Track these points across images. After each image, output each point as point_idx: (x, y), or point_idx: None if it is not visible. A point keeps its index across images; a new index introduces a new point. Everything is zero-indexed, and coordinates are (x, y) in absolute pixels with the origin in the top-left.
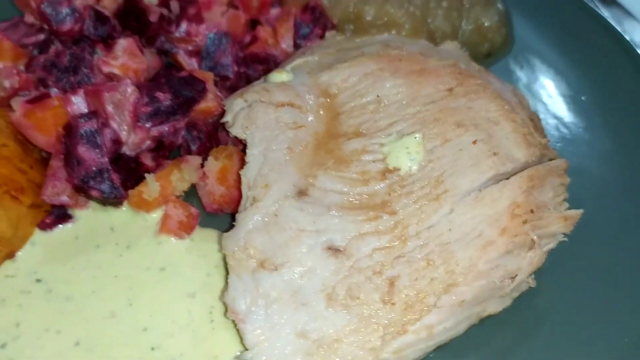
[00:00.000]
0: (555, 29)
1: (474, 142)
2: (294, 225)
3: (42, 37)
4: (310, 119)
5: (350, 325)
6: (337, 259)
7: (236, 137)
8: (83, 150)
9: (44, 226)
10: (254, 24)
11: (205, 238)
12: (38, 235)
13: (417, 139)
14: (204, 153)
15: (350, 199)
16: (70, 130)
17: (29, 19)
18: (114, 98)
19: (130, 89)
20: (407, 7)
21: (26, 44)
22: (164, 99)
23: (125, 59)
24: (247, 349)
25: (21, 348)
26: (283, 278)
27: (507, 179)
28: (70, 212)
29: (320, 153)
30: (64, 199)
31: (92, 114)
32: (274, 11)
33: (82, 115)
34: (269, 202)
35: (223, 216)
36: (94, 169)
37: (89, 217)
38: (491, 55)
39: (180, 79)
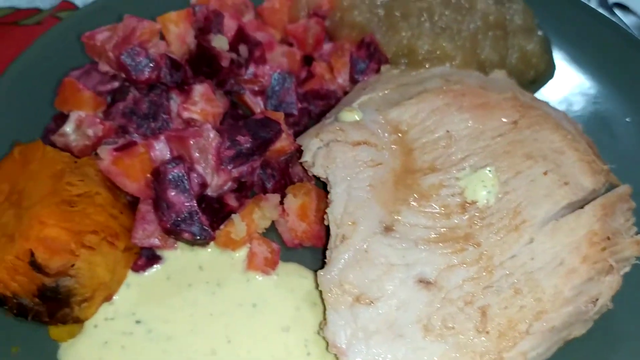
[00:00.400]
0: (594, 51)
1: (545, 173)
2: (385, 260)
3: (117, 84)
4: (386, 156)
5: (449, 354)
6: (429, 291)
7: (307, 173)
8: (172, 195)
9: (137, 268)
10: (307, 60)
11: (289, 272)
12: (132, 277)
13: (491, 172)
14: (278, 190)
15: (435, 233)
16: (158, 176)
17: (104, 67)
18: (199, 143)
19: (212, 134)
20: (457, 39)
21: (102, 92)
22: (245, 141)
23: (203, 104)
24: None
25: None
26: (379, 311)
27: (582, 207)
28: (159, 253)
29: (400, 189)
30: (154, 241)
31: (179, 159)
32: (326, 47)
33: (169, 161)
34: (358, 239)
35: (301, 250)
36: (184, 212)
37: (178, 257)
38: (536, 81)
39: (257, 121)
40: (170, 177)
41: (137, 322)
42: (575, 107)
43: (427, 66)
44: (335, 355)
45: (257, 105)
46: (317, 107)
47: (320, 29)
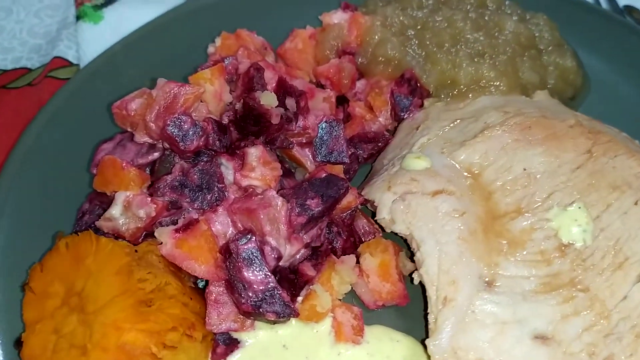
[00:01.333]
0: (625, 60)
1: (636, 203)
2: (495, 319)
3: (157, 154)
4: (468, 203)
5: None
6: (549, 347)
7: (372, 225)
8: (249, 274)
9: (218, 357)
10: (338, 101)
11: (378, 337)
12: None
13: (581, 209)
14: (348, 249)
15: (540, 282)
16: (230, 255)
17: (141, 138)
18: (269, 214)
19: (280, 202)
20: (499, 65)
21: (141, 165)
22: (315, 205)
23: (261, 168)
24: None
25: None
26: None
27: None
28: (235, 336)
29: (491, 237)
30: (231, 325)
31: (248, 233)
32: (359, 85)
33: (239, 237)
34: (462, 300)
35: (381, 310)
36: (263, 291)
37: (258, 338)
38: (575, 98)
39: (322, 180)
40: (244, 254)
41: None
42: (615, 118)
43: (470, 95)
44: None
45: (307, 158)
46: (366, 151)
47: (354, 67)
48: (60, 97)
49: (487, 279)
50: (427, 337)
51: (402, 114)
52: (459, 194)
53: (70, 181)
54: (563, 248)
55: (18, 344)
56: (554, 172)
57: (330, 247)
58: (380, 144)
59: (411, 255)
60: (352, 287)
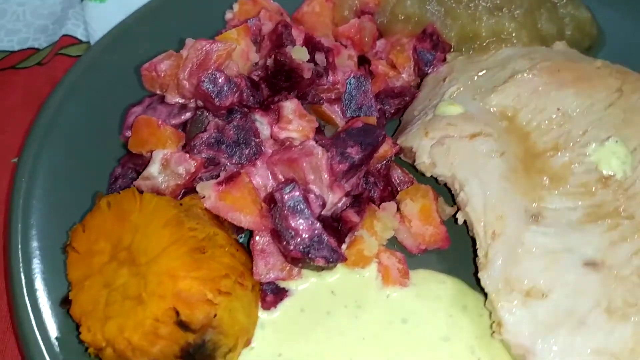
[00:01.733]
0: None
1: None
2: (545, 250)
3: (188, 115)
4: (506, 144)
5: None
6: (600, 273)
7: (407, 175)
8: (295, 221)
9: (268, 306)
10: (359, 61)
11: (425, 280)
12: (263, 316)
13: (618, 142)
14: (386, 198)
15: (584, 212)
16: (275, 204)
17: (172, 98)
18: (312, 163)
19: (320, 151)
20: (518, 18)
21: (173, 126)
22: (356, 152)
23: (298, 121)
24: None
25: None
26: (555, 303)
27: None
28: (283, 285)
29: (532, 174)
30: (278, 273)
31: (293, 182)
32: (379, 44)
33: (283, 186)
34: (511, 233)
35: (423, 255)
36: (310, 237)
37: (305, 286)
38: (591, 48)
39: (359, 130)
40: (290, 203)
41: None
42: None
43: (492, 48)
44: (510, 355)
45: (337, 114)
46: (392, 106)
47: (374, 26)
48: (83, 65)
49: (533, 213)
50: (476, 272)
51: (426, 69)
52: (496, 136)
53: (99, 148)
54: (604, 180)
55: (65, 302)
56: (588, 110)
57: (368, 197)
58: (407, 98)
59: (453, 200)
60: (394, 234)
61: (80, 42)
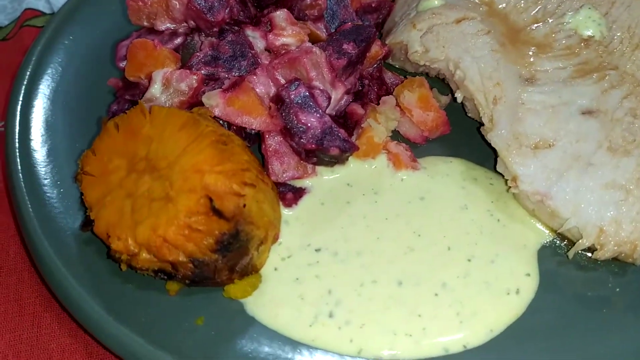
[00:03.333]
0: None
1: None
2: (544, 105)
3: (180, 40)
4: (490, 24)
5: None
6: (597, 118)
7: (398, 77)
8: (305, 116)
9: (289, 203)
10: None
11: (431, 162)
12: (286, 214)
13: (591, 8)
14: (384, 96)
15: (573, 69)
16: (283, 102)
17: (162, 25)
18: (313, 60)
19: (318, 50)
20: None
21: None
22: (352, 49)
23: (291, 27)
24: (559, 224)
25: (349, 308)
26: (562, 150)
27: None
28: (299, 185)
29: (519, 46)
30: (294, 172)
31: (297, 80)
32: None
33: (289, 85)
34: (511, 95)
35: (427, 145)
36: (322, 129)
37: (321, 182)
38: None
39: (350, 29)
40: (297, 99)
41: (317, 250)
42: None
43: None
44: (525, 210)
45: (321, 31)
46: (372, 20)
47: None
48: (65, 10)
49: (527, 77)
50: (481, 155)
51: None
52: (480, 18)
53: (91, 91)
54: (585, 41)
55: (86, 224)
56: None
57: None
58: (384, 12)
59: (445, 91)
60: (396, 130)
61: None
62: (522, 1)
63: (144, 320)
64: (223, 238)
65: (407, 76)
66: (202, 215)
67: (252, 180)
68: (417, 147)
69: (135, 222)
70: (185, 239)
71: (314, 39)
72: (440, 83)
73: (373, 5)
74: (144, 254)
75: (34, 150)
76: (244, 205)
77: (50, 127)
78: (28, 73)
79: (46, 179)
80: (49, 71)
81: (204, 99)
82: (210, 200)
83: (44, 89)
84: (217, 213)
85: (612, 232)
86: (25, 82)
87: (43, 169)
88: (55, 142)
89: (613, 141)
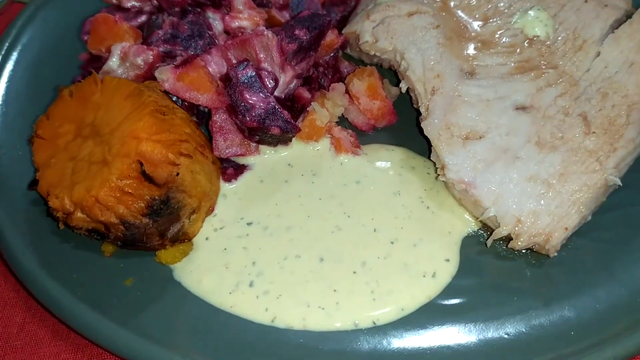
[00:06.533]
0: None
1: (586, 1)
2: (479, 99)
3: (144, 18)
4: (440, 19)
5: (568, 160)
6: (529, 114)
7: (354, 66)
8: (250, 95)
9: (229, 178)
10: None
11: (373, 149)
12: (225, 188)
13: (540, 10)
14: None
15: (514, 66)
16: (230, 81)
17: (128, 3)
18: (263, 42)
19: (270, 34)
20: None
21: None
22: (303, 34)
23: (248, 11)
24: (481, 212)
25: (269, 279)
26: (492, 142)
27: (629, 18)
28: (243, 162)
29: (465, 41)
30: (237, 149)
31: (246, 61)
32: None
33: (238, 64)
34: (449, 87)
35: (374, 133)
36: (265, 109)
37: (264, 161)
38: None
39: (306, 16)
40: (244, 79)
41: (249, 223)
42: None
43: None
44: (455, 199)
45: (285, 18)
46: (339, 13)
47: None
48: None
49: (467, 71)
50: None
51: None
52: (432, 13)
53: (59, 61)
54: (529, 41)
55: (32, 184)
56: None
57: (319, 83)
58: (351, 5)
59: (396, 83)
60: (345, 116)
61: None
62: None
63: (75, 277)
64: (153, 203)
65: (364, 66)
66: (133, 179)
67: (188, 151)
68: (364, 135)
69: (73, 183)
70: (117, 200)
71: (275, 25)
72: (393, 75)
73: None
74: (78, 213)
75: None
76: (177, 174)
77: (15, 95)
78: (6, 45)
79: (5, 141)
80: (24, 44)
81: (156, 73)
82: (141, 164)
83: (18, 60)
84: (148, 178)
85: (529, 223)
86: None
87: (3, 133)
88: (19, 109)
89: (542, 137)
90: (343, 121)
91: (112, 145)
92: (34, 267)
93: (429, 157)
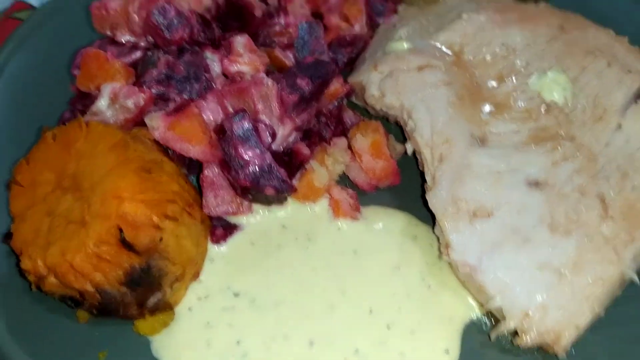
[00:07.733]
0: None
1: (608, 64)
2: (489, 170)
3: (139, 54)
4: (452, 74)
5: (582, 247)
6: (542, 191)
7: (360, 117)
8: (245, 150)
9: (217, 239)
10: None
11: (375, 214)
12: (213, 250)
13: (559, 72)
14: (335, 137)
15: (528, 134)
16: (224, 133)
17: (122, 37)
18: (261, 92)
19: (270, 82)
20: None
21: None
22: (305, 84)
23: (248, 55)
24: (486, 300)
25: None
26: (500, 221)
27: None
28: (234, 221)
29: (478, 102)
30: (228, 208)
31: (242, 111)
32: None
33: (233, 115)
34: (457, 156)
35: (376, 193)
36: (260, 166)
37: (256, 221)
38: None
39: (309, 64)
40: (239, 132)
41: (236, 294)
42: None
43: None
44: (458, 280)
45: (289, 59)
46: (345, 54)
47: None
48: (36, 17)
49: (479, 137)
50: (426, 204)
51: (377, 20)
52: (443, 68)
53: (49, 97)
54: (547, 106)
55: (7, 236)
56: (531, 44)
57: (320, 136)
58: (359, 47)
59: (403, 139)
60: (346, 174)
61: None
62: (491, 54)
63: (44, 345)
64: (133, 271)
65: (369, 117)
66: (112, 245)
67: (174, 213)
68: (365, 195)
69: (48, 243)
70: (93, 267)
71: (279, 67)
72: (399, 129)
73: (348, 39)
74: (51, 278)
75: None
76: (161, 239)
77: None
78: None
79: None
80: (11, 73)
81: (146, 119)
82: (120, 231)
83: (3, 91)
84: (127, 245)
85: (537, 318)
86: None
87: None
88: (0, 146)
89: (555, 218)
90: (344, 178)
91: (92, 202)
92: (1, 329)
93: (432, 226)
